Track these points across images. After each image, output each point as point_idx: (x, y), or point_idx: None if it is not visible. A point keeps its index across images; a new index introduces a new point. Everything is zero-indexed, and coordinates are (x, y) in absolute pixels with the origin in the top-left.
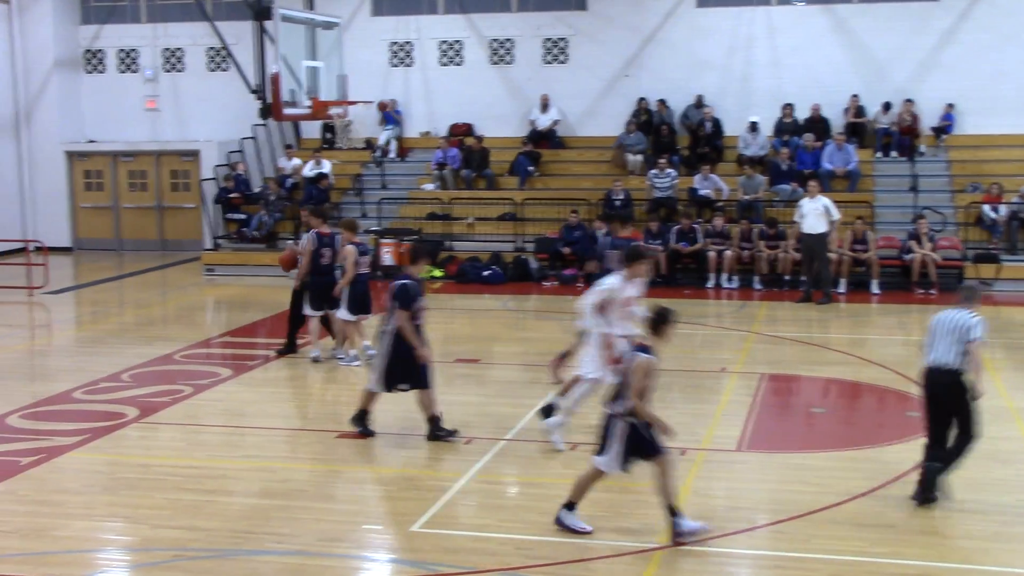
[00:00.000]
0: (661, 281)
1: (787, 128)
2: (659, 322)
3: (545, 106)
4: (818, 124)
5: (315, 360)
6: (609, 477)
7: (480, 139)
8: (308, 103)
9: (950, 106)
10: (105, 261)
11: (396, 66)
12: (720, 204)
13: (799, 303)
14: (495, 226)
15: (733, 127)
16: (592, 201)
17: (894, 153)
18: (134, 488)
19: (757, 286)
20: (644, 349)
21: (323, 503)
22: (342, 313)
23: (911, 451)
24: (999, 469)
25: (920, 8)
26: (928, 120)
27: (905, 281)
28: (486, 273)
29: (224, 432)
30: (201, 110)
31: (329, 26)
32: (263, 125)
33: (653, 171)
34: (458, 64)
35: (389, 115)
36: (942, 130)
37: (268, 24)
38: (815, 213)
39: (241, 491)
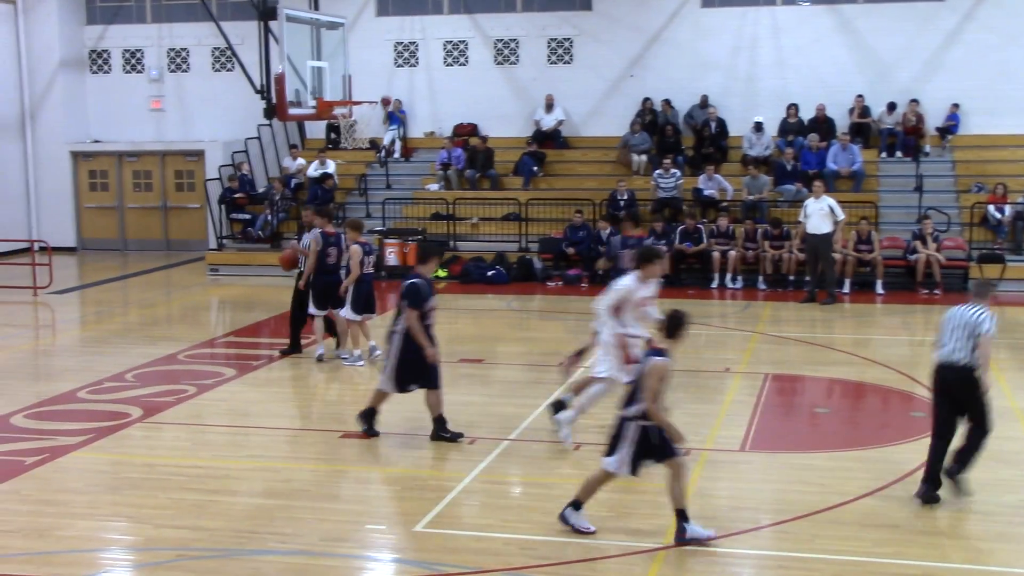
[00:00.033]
0: (665, 281)
1: (792, 128)
2: (674, 325)
3: (550, 106)
4: (823, 124)
5: (319, 359)
6: (618, 478)
7: (484, 139)
8: (313, 103)
9: (955, 106)
10: (109, 261)
11: (401, 66)
12: (724, 204)
13: (803, 303)
14: (499, 226)
15: (738, 127)
16: (596, 201)
17: (899, 153)
18: (138, 488)
19: (761, 286)
20: (659, 352)
21: (327, 503)
22: (346, 312)
23: (915, 451)
24: (1003, 469)
25: (925, 8)
26: (933, 120)
27: (909, 281)
28: (490, 273)
29: (228, 432)
30: (206, 110)
31: (334, 26)
32: (268, 125)
33: (657, 171)
34: (463, 64)
35: (393, 115)
36: (947, 130)
37: (273, 24)
38: (820, 213)
39: (245, 491)
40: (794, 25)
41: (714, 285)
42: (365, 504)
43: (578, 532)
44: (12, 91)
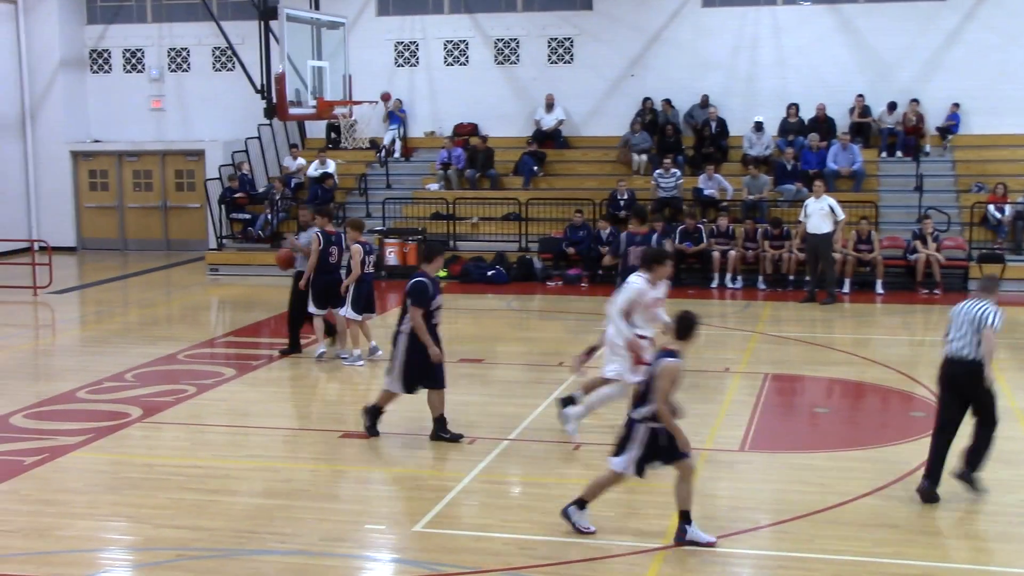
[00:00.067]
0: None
1: (792, 128)
2: (685, 327)
3: (550, 106)
4: (823, 124)
5: (319, 357)
6: (625, 479)
7: (485, 139)
8: (313, 103)
9: (955, 106)
10: (110, 261)
11: (401, 66)
12: (725, 204)
13: (803, 303)
14: (499, 226)
15: (738, 127)
16: (596, 201)
17: (899, 153)
18: (137, 488)
19: (761, 286)
20: (670, 354)
21: (326, 503)
22: (347, 312)
23: (915, 451)
24: (1003, 469)
25: (926, 8)
26: (933, 120)
27: (910, 281)
28: (490, 273)
29: (228, 432)
30: (206, 110)
31: (334, 26)
32: (268, 125)
33: (658, 171)
34: (463, 64)
35: (394, 114)
36: (947, 130)
37: (274, 24)
38: (820, 213)
39: (244, 491)
40: (795, 25)
41: (714, 285)
42: (365, 504)
43: (578, 531)
44: (12, 91)
